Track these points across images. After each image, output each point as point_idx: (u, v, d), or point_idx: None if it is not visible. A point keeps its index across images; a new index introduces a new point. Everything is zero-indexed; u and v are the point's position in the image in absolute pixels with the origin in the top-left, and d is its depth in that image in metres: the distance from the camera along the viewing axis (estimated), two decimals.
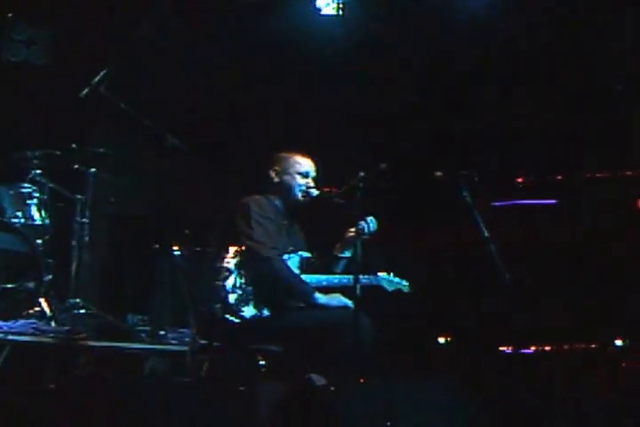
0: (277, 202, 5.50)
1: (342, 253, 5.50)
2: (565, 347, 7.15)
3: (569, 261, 7.30)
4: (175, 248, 5.66)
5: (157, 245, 6.51)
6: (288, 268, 5.27)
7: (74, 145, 6.41)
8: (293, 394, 4.52)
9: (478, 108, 7.47)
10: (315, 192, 5.45)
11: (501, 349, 7.06)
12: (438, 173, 5.47)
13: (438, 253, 7.40)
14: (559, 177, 7.59)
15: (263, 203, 5.41)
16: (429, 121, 7.52)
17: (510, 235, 6.97)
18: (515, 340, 6.96)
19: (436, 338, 7.48)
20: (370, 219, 5.37)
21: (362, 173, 5.15)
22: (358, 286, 5.01)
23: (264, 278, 5.18)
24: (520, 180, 7.67)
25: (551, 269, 7.30)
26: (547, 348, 7.17)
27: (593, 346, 7.09)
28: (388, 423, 4.49)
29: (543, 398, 5.48)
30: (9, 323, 5.89)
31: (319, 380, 4.64)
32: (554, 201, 7.52)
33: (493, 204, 7.43)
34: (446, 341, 7.49)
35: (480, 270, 5.99)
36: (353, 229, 5.29)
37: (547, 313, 7.09)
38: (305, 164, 5.54)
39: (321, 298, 5.25)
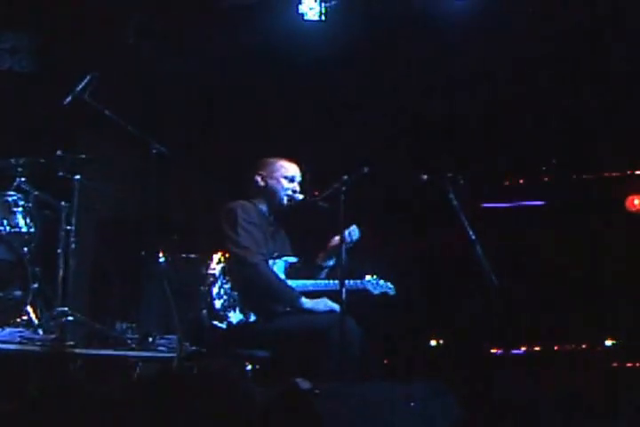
0: (263, 207, 5.49)
1: (325, 261, 5.50)
2: (556, 347, 7.17)
3: (558, 262, 7.32)
4: (161, 255, 5.65)
5: (144, 253, 6.50)
6: (274, 273, 5.26)
7: (59, 152, 6.40)
8: (279, 398, 4.51)
9: (465, 110, 7.47)
10: (299, 196, 5.45)
11: (492, 350, 7.06)
12: (424, 176, 5.48)
13: (426, 256, 7.41)
14: (547, 178, 7.61)
15: (249, 208, 5.40)
16: (415, 123, 7.54)
17: (498, 236, 6.98)
18: (505, 341, 6.96)
19: (428, 341, 7.49)
20: (352, 228, 5.37)
21: (345, 177, 5.16)
22: (344, 291, 5.01)
23: (250, 284, 5.18)
24: (507, 182, 7.69)
25: (540, 270, 7.30)
26: (537, 349, 7.19)
27: (583, 346, 7.11)
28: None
29: (533, 399, 5.48)
30: None
31: (304, 384, 4.62)
32: (542, 202, 7.54)
33: (482, 205, 7.45)
34: (437, 343, 7.50)
35: (468, 272, 5.99)
36: (336, 238, 5.29)
37: (537, 314, 7.10)
38: (291, 168, 5.53)
39: (307, 303, 5.25)
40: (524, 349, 7.21)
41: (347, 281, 5.15)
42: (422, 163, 6.90)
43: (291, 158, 5.58)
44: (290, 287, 5.27)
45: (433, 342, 7.53)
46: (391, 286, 5.50)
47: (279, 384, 4.76)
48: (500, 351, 7.10)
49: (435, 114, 7.46)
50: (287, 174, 5.49)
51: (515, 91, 7.38)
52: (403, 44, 7.29)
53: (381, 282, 5.48)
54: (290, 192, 5.47)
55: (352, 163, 5.29)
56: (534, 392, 5.64)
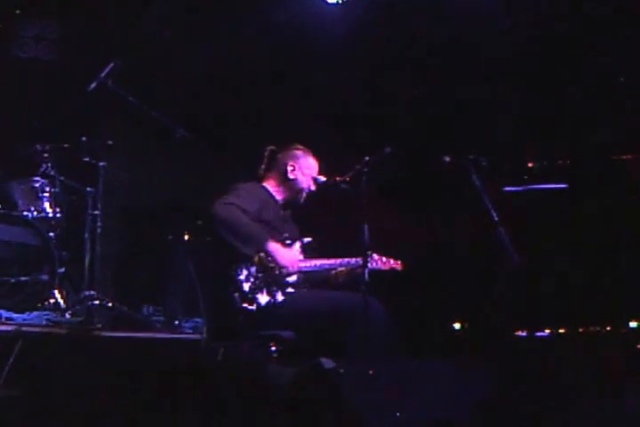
0: (276, 192, 5.52)
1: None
2: (580, 329, 7.14)
3: (582, 245, 7.29)
4: (187, 238, 5.69)
5: (170, 236, 6.56)
6: (243, 218, 5.21)
7: (84, 138, 6.48)
8: (303, 377, 4.55)
9: (486, 93, 7.45)
10: (322, 178, 5.47)
11: (516, 333, 7.04)
12: (446, 158, 5.47)
13: (447, 238, 7.40)
14: (570, 160, 7.56)
15: (255, 187, 5.44)
16: (436, 104, 7.51)
17: (522, 219, 6.96)
18: (529, 323, 6.94)
19: (451, 324, 7.48)
20: None
21: (367, 158, 5.17)
22: (366, 272, 5.03)
23: (221, 228, 5.17)
24: (530, 164, 7.65)
25: (564, 253, 7.28)
26: (561, 331, 7.16)
27: (608, 328, 7.08)
28: (398, 414, 4.52)
29: (558, 382, 5.47)
30: (23, 315, 5.95)
31: (329, 363, 4.65)
32: (565, 185, 7.50)
33: (504, 189, 7.42)
34: (462, 326, 7.49)
35: (491, 255, 5.99)
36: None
37: (561, 296, 7.08)
38: (317, 168, 5.56)
39: (273, 247, 5.22)
40: (548, 331, 7.18)
41: (356, 259, 5.24)
42: (445, 144, 6.89)
43: (315, 156, 5.60)
44: (258, 230, 5.24)
45: (457, 325, 7.52)
46: (398, 262, 5.53)
47: (304, 364, 4.79)
48: (524, 334, 7.08)
49: (455, 93, 7.44)
50: (315, 175, 5.52)
51: (534, 70, 7.36)
52: (421, 25, 7.29)
53: (386, 258, 5.51)
54: (308, 191, 5.52)
55: (374, 144, 5.30)
56: (559, 375, 5.62)
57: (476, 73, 7.44)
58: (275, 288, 5.21)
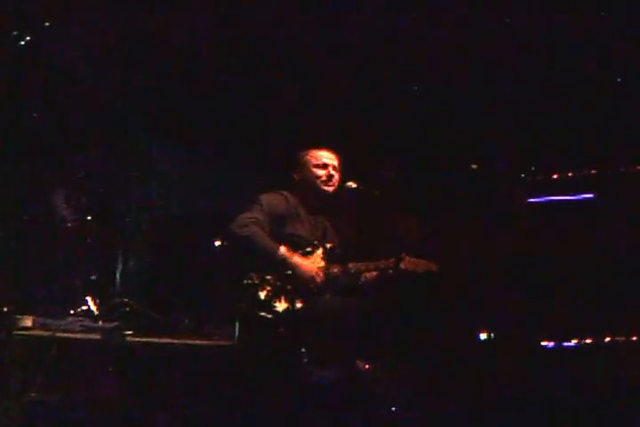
0: (303, 198, 5.61)
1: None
2: (607, 339, 7.13)
3: (608, 256, 7.28)
4: (218, 244, 5.77)
5: (200, 245, 6.62)
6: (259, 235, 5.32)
7: (116, 150, 6.60)
8: (338, 380, 4.59)
9: (515, 102, 7.47)
10: (352, 185, 5.54)
11: (543, 343, 7.05)
12: (473, 166, 5.52)
13: (473, 247, 7.40)
14: (596, 171, 7.56)
15: (275, 197, 5.57)
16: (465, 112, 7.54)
17: (547, 230, 6.97)
18: (556, 334, 6.94)
19: (478, 334, 7.48)
20: None
21: (395, 165, 5.24)
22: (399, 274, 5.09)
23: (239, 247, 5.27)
24: (556, 175, 7.66)
25: (591, 263, 7.27)
26: (588, 341, 7.15)
27: (634, 338, 7.07)
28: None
29: (586, 392, 5.49)
30: (57, 321, 6.02)
31: (363, 365, 4.70)
32: (591, 195, 7.50)
33: (529, 200, 7.43)
34: (488, 337, 7.48)
35: (517, 264, 6.00)
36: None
37: (587, 306, 7.08)
38: (319, 155, 5.65)
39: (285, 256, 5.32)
40: (575, 341, 7.18)
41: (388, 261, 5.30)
42: (471, 152, 6.91)
43: (321, 146, 5.69)
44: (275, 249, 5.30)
45: (483, 336, 7.52)
46: (432, 263, 5.58)
47: (337, 367, 4.84)
48: (551, 344, 7.08)
49: (480, 103, 7.47)
50: (317, 162, 5.62)
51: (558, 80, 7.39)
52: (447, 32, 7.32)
53: (422, 260, 5.57)
54: (324, 178, 5.58)
55: (401, 152, 5.36)
56: (587, 386, 5.64)
57: (497, 80, 7.46)
58: (293, 295, 5.27)
